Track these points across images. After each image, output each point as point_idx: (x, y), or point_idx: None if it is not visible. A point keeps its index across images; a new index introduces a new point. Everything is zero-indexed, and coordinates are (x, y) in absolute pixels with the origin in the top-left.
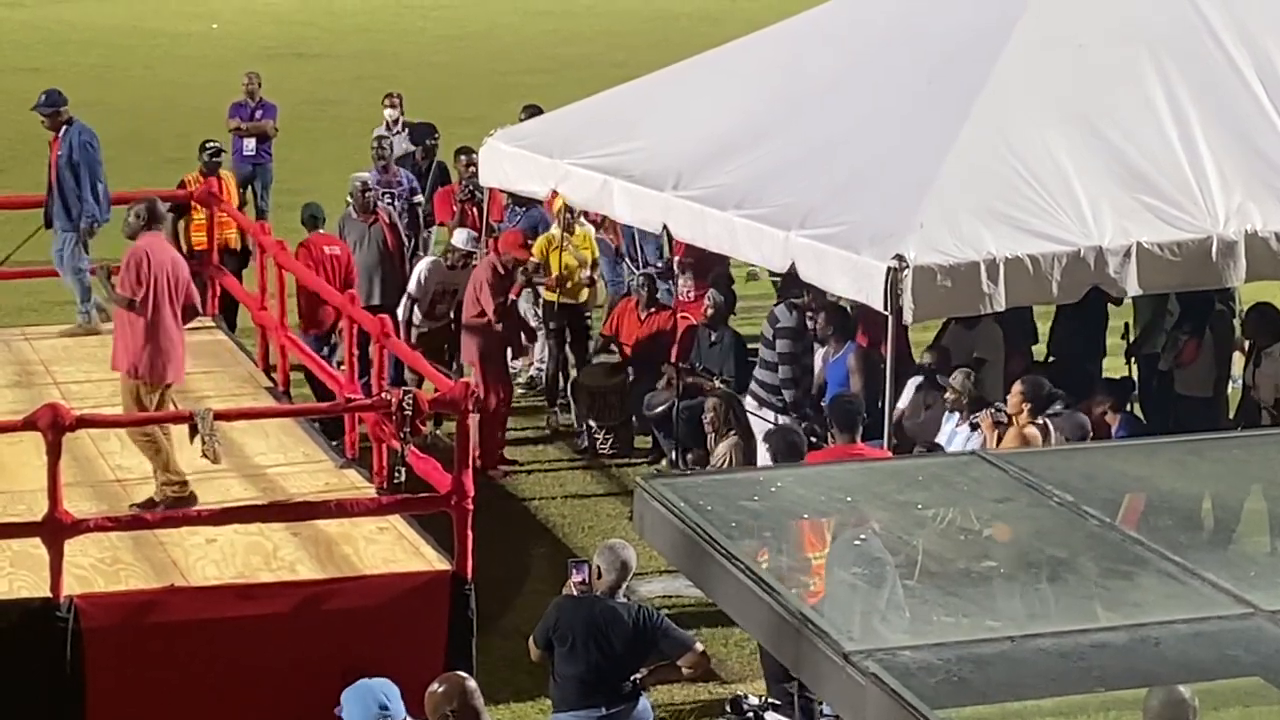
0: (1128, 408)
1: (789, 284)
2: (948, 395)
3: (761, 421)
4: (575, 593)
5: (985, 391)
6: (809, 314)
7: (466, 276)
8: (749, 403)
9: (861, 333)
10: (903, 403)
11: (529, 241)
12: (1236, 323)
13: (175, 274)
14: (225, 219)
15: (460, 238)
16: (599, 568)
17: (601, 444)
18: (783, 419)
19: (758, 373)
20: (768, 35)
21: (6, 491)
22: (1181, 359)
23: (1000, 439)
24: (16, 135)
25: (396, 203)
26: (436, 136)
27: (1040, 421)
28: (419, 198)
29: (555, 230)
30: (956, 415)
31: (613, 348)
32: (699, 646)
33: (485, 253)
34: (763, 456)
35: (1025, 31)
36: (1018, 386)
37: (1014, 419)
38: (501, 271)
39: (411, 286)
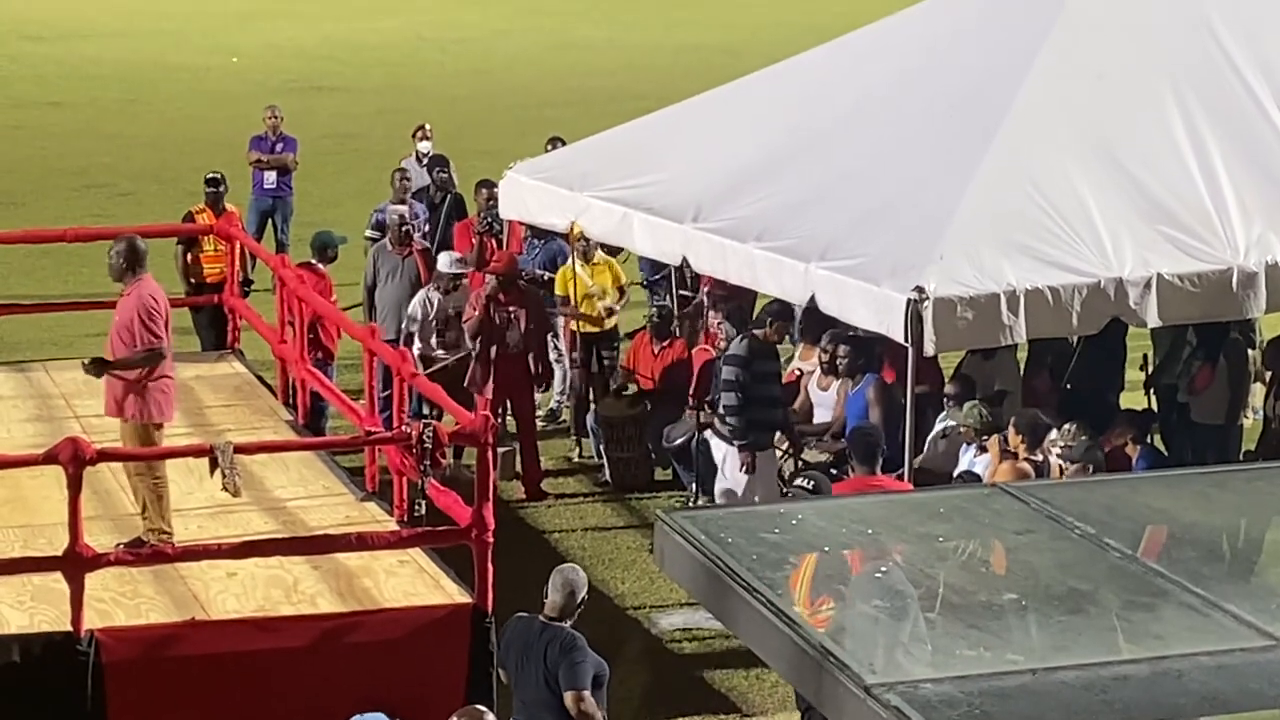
0: (1148, 439)
1: (768, 314)
2: (962, 428)
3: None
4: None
5: (1004, 423)
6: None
7: (465, 299)
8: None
9: (888, 366)
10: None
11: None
12: (1257, 354)
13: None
14: (215, 253)
15: (444, 261)
16: (545, 589)
17: (620, 476)
18: (731, 449)
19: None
20: (787, 68)
21: (28, 525)
22: (1195, 386)
23: (1000, 469)
24: (38, 169)
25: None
26: (448, 169)
27: (1038, 456)
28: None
29: (576, 261)
30: (974, 447)
31: (636, 378)
32: (585, 695)
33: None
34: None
35: (1046, 63)
36: (1013, 421)
37: (1016, 452)
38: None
39: (405, 322)
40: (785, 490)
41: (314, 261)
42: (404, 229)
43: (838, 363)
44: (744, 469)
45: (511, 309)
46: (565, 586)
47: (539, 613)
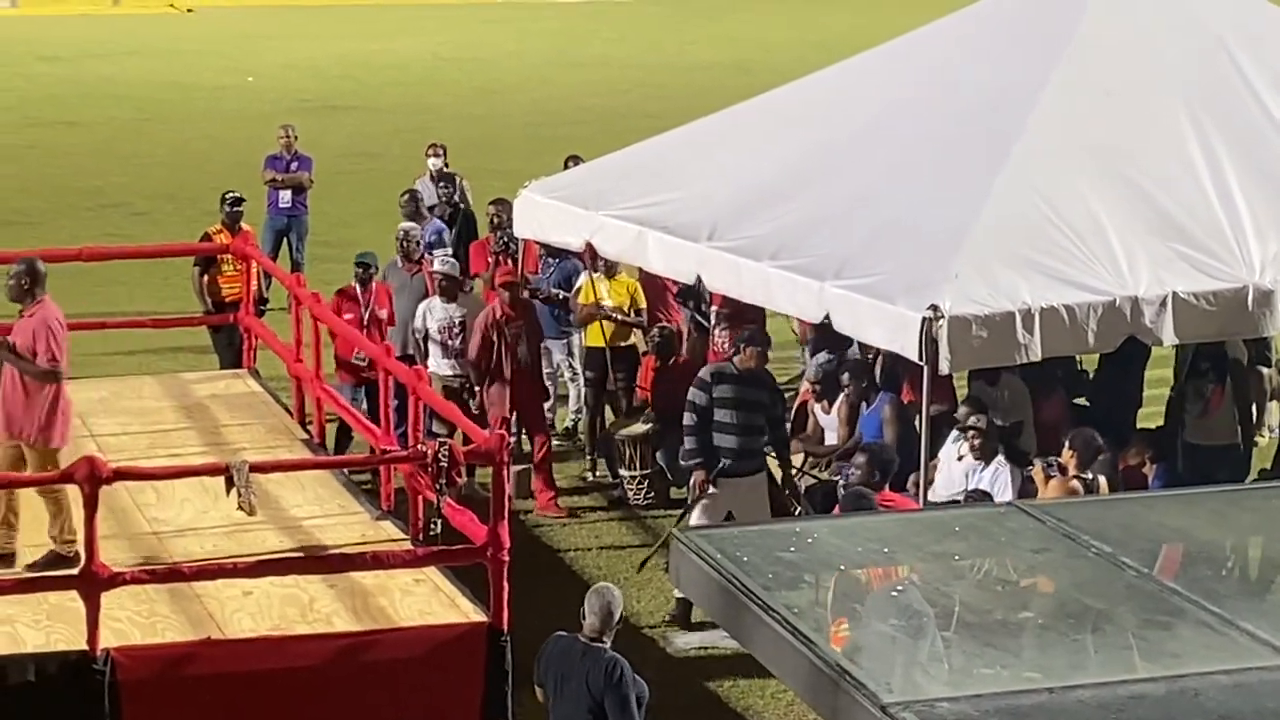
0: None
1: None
2: (974, 440)
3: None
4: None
5: (1020, 445)
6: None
7: (470, 305)
8: None
9: (909, 387)
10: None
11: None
12: (1273, 372)
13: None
14: (234, 272)
15: (438, 263)
16: (582, 610)
17: (635, 495)
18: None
19: None
20: (801, 86)
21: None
22: (1209, 408)
23: (1049, 487)
24: (52, 189)
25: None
26: (453, 187)
27: (1088, 475)
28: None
29: (599, 276)
30: (990, 466)
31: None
32: None
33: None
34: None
35: (1060, 81)
36: (1069, 439)
37: (1065, 467)
38: (497, 317)
39: (412, 331)
40: (796, 509)
41: (353, 284)
42: (409, 244)
43: (837, 385)
44: (699, 489)
45: (520, 324)
46: (603, 609)
47: (563, 630)
